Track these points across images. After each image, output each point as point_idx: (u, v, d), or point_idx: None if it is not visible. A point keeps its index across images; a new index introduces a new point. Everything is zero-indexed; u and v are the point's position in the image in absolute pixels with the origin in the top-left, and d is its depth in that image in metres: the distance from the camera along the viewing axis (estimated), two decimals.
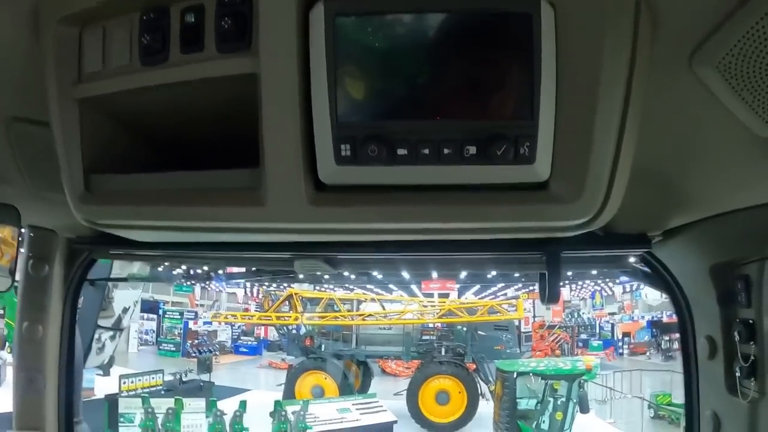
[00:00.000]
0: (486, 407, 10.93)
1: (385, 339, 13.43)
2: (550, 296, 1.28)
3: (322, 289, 18.32)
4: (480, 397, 11.93)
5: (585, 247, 1.30)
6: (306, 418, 6.91)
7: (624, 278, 36.82)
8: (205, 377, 14.10)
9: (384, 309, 14.14)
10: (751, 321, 1.03)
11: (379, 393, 10.09)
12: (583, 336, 32.92)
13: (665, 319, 33.37)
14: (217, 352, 20.44)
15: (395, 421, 8.80)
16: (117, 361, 10.09)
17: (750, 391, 1.01)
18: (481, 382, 12.16)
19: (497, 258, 1.62)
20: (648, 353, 30.16)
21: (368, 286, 19.34)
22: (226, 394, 12.38)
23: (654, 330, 32.41)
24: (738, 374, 1.05)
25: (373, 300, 16.03)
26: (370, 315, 13.78)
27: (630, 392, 14.96)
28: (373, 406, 9.06)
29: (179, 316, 23.71)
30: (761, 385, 1.01)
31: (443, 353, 12.98)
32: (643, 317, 36.88)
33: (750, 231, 1.07)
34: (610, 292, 53.94)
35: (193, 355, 18.89)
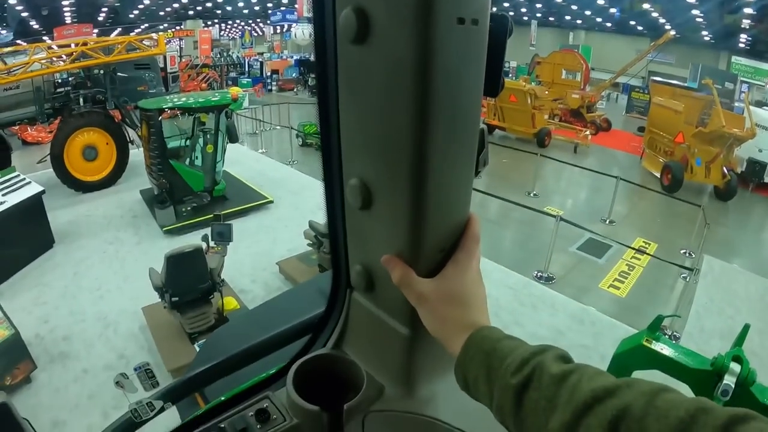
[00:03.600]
0: (138, 154, 10.39)
1: (14, 101, 10.89)
2: None
3: None
4: (130, 144, 11.16)
5: None
6: None
7: (275, 18, 36.91)
8: None
9: (5, 64, 11.16)
10: None
11: (22, 167, 8.76)
12: (233, 74, 33.16)
13: (312, 58, 35.14)
14: None
15: (43, 191, 7.70)
16: None
17: None
18: (128, 129, 11.26)
19: None
20: (296, 89, 31.63)
21: None
22: None
23: (301, 68, 34.00)
24: None
25: None
26: None
27: (279, 124, 15.66)
28: (16, 183, 7.75)
29: None
30: None
31: (82, 104, 11.22)
32: (291, 56, 38.50)
33: None
34: (260, 33, 54.09)
35: None
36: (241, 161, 11.28)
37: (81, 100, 11.42)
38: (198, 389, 1.31)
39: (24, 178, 8.01)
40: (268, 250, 7.05)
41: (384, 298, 0.99)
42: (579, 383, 0.61)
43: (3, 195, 7.42)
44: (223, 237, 5.50)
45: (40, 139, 16.15)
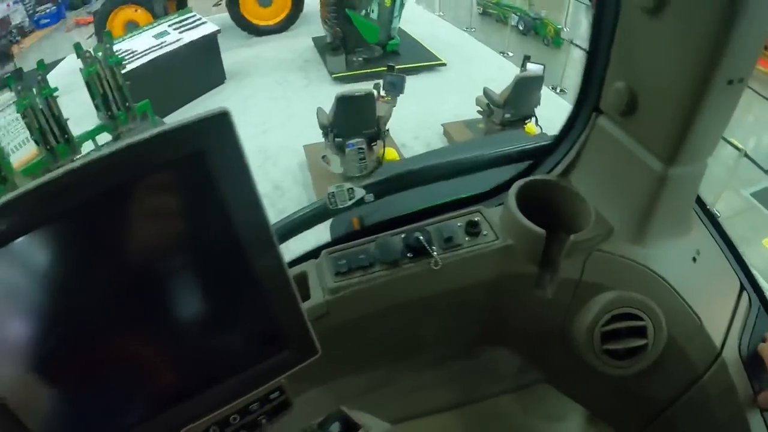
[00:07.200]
0: (313, 3, 10.10)
1: None
2: None
3: None
4: None
5: None
6: (115, 54, 5.93)
7: None
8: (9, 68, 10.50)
9: None
10: None
11: (198, 10, 8.87)
12: None
13: None
14: (18, 38, 15.73)
15: (218, 31, 7.94)
16: None
17: None
18: None
19: None
20: None
21: None
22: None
23: None
24: None
25: None
26: None
27: None
28: (192, 22, 8.12)
29: None
30: None
31: None
32: None
33: None
34: None
35: None
36: (415, 21, 10.69)
37: None
38: (403, 189, 1.18)
39: (200, 18, 8.19)
40: (433, 111, 6.85)
41: (644, 124, 0.84)
42: None
43: (180, 32, 7.72)
44: (396, 87, 5.34)
45: None
